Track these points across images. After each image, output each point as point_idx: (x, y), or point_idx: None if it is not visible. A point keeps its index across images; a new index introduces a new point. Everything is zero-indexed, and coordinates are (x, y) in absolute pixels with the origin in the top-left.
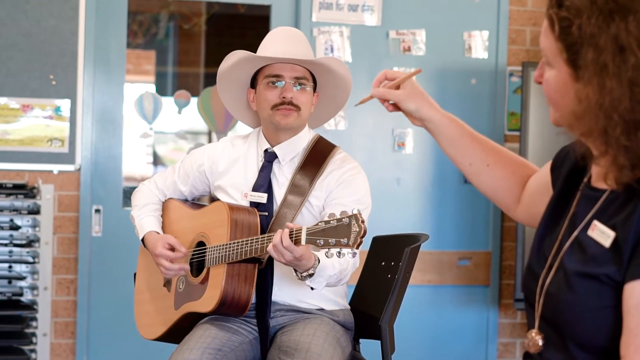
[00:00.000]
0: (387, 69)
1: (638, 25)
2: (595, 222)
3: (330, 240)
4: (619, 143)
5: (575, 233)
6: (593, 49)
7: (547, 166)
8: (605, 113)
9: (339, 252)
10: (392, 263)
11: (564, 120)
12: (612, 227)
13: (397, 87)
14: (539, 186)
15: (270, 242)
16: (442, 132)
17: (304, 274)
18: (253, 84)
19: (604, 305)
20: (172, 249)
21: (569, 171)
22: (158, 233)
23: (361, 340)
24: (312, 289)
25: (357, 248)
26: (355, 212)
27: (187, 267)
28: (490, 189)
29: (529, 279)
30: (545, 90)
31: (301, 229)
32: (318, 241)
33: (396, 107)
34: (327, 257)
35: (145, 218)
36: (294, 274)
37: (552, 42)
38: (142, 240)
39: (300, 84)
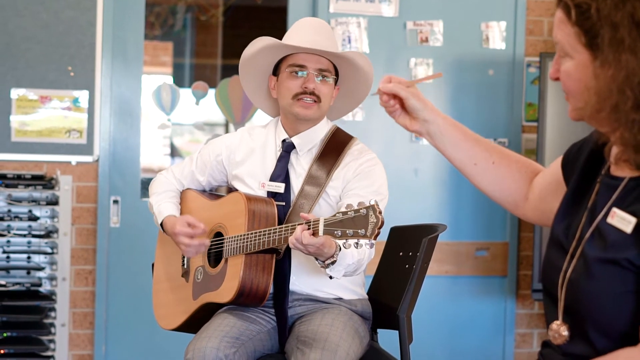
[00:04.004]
0: (391, 75)
1: None
2: (615, 210)
3: (347, 232)
4: (628, 118)
5: (596, 222)
6: (610, 27)
7: (557, 163)
8: (619, 87)
9: (357, 243)
10: (410, 253)
11: (584, 109)
12: (633, 214)
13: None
14: (550, 183)
15: (287, 232)
16: (446, 134)
17: (327, 262)
18: (275, 71)
19: (626, 291)
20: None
21: (584, 163)
22: (176, 217)
23: (379, 330)
24: (330, 277)
25: (375, 239)
26: (372, 202)
27: (208, 241)
28: (496, 187)
29: (549, 271)
30: (565, 82)
31: (318, 220)
32: (336, 232)
33: (400, 108)
34: (344, 247)
35: (163, 204)
36: (316, 262)
37: (569, 29)
38: (161, 225)
39: (323, 76)
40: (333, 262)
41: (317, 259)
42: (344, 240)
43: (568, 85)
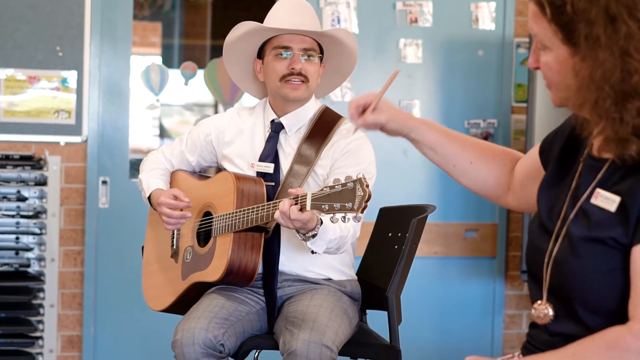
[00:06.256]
0: (353, 99)
1: None
2: (598, 190)
3: (335, 205)
4: (608, 114)
5: (580, 202)
6: (585, 23)
7: (535, 150)
8: (597, 85)
9: (344, 217)
10: (399, 234)
11: (566, 98)
12: (617, 193)
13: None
14: (530, 171)
15: (276, 208)
16: (422, 140)
17: (308, 235)
18: (260, 54)
19: (611, 269)
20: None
21: (563, 146)
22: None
23: (368, 311)
24: (312, 252)
25: (362, 212)
26: (359, 176)
27: (189, 215)
28: (478, 184)
29: (533, 253)
30: (546, 73)
31: (306, 195)
32: (323, 206)
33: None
34: (332, 222)
35: (152, 179)
36: (297, 234)
37: (546, 25)
38: (149, 199)
39: (308, 55)
40: (314, 236)
41: (298, 232)
42: (332, 214)
43: (549, 76)
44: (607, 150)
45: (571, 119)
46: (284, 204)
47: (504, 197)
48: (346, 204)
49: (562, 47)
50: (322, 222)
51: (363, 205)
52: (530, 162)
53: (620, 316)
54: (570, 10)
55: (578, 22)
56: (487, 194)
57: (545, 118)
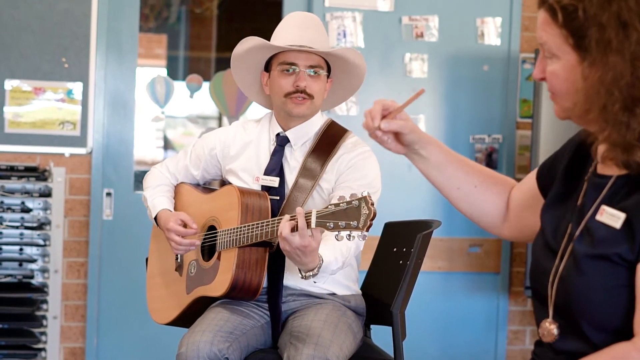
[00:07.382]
0: (379, 100)
1: (637, 2)
2: (604, 207)
3: (340, 223)
4: (616, 119)
5: (585, 220)
6: (597, 28)
7: (531, 178)
8: (607, 88)
9: (349, 235)
10: (404, 249)
11: (571, 108)
12: (623, 210)
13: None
14: (527, 199)
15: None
16: (432, 157)
17: (307, 274)
18: (267, 67)
19: (616, 285)
20: (185, 226)
21: (568, 165)
22: (170, 211)
23: (372, 326)
24: (314, 282)
25: (367, 231)
26: (364, 194)
27: (198, 242)
28: (477, 210)
29: (538, 272)
30: (552, 82)
31: (311, 212)
32: (328, 224)
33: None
34: (337, 239)
35: (157, 198)
36: (299, 273)
37: (556, 31)
38: (155, 219)
39: (314, 72)
40: (314, 275)
41: (300, 271)
42: (337, 232)
43: (555, 85)
44: (611, 157)
45: (573, 139)
46: (285, 228)
47: (499, 226)
48: (351, 222)
49: (572, 54)
50: (323, 261)
51: (368, 223)
52: (527, 188)
53: (625, 333)
54: (582, 16)
55: (589, 27)
56: (484, 221)
57: (550, 134)
